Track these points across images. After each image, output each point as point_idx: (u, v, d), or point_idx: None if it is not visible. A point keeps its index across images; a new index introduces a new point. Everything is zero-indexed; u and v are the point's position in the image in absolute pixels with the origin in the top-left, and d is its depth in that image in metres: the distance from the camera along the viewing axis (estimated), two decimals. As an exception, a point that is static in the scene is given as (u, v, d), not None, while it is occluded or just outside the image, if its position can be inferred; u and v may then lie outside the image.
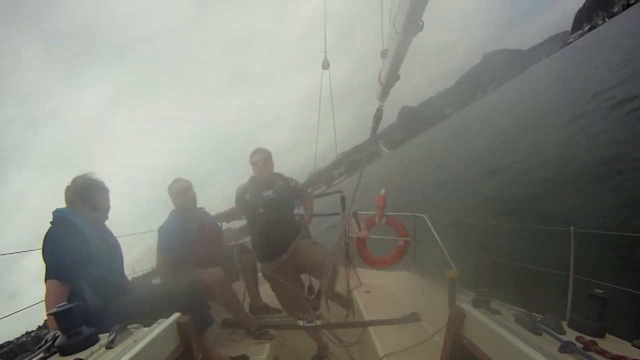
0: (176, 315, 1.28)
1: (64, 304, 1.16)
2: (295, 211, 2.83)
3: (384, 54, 1.57)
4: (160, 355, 1.13)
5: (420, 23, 1.12)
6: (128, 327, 1.22)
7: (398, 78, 1.58)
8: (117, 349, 1.06)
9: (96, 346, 1.12)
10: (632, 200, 5.55)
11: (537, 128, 14.15)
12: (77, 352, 1.09)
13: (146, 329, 1.20)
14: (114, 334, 1.14)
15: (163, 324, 1.20)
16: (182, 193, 2.40)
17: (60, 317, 1.13)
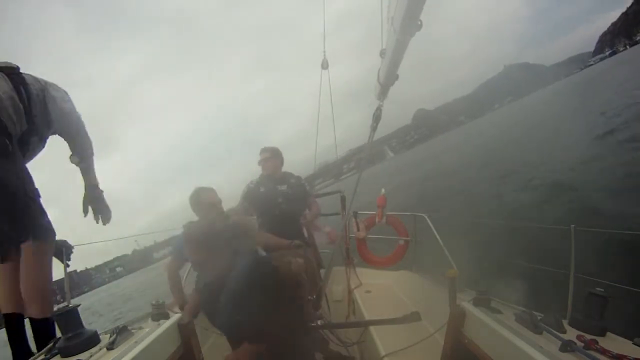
0: (177, 316, 1.28)
1: (64, 304, 1.16)
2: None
3: (382, 53, 1.56)
4: (161, 356, 1.13)
5: (419, 22, 1.11)
6: (129, 328, 1.22)
7: (397, 77, 1.58)
8: (118, 350, 1.06)
9: (97, 347, 1.12)
10: (632, 199, 5.55)
11: (545, 144, 14.09)
12: (78, 353, 1.09)
13: (147, 329, 1.20)
14: (115, 335, 1.14)
15: (164, 325, 1.19)
16: (213, 206, 2.11)
17: (61, 319, 1.13)
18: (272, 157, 2.68)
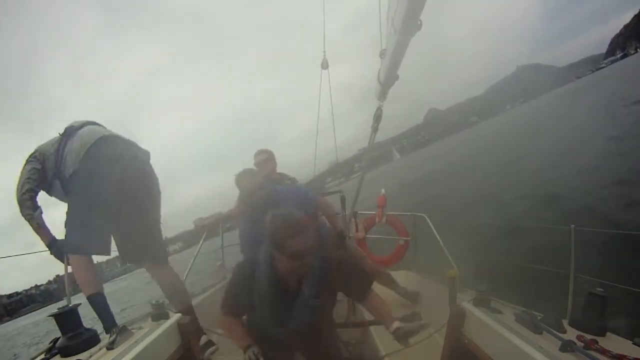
0: (177, 316, 1.28)
1: (64, 305, 1.16)
2: None
3: (382, 53, 1.56)
4: (161, 356, 1.12)
5: (419, 22, 1.11)
6: (129, 328, 1.22)
7: (397, 78, 1.58)
8: (118, 350, 1.05)
9: (97, 347, 1.12)
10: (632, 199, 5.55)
11: (548, 147, 13.97)
12: (78, 353, 1.09)
13: (147, 329, 1.20)
14: (115, 335, 1.13)
15: (164, 325, 1.19)
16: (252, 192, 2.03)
17: (60, 319, 1.13)
18: (268, 158, 2.67)
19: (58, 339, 1.15)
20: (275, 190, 2.10)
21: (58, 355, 1.11)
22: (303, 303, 1.41)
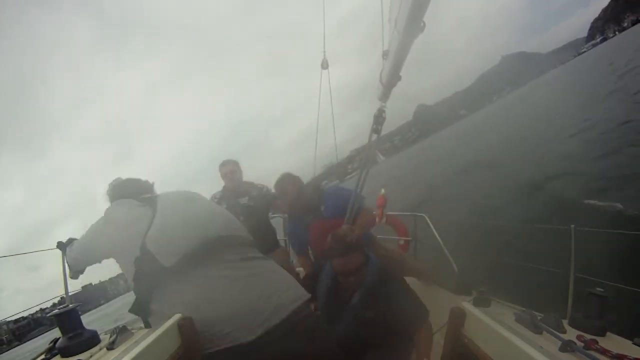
0: (177, 316, 1.27)
1: (64, 305, 1.16)
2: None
3: (385, 54, 1.55)
4: (162, 356, 1.12)
5: (422, 24, 1.11)
6: (129, 328, 1.22)
7: (399, 79, 1.57)
8: (118, 350, 1.06)
9: (97, 347, 1.12)
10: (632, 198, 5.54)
11: (543, 137, 13.99)
12: (78, 353, 1.09)
13: (147, 330, 1.20)
14: (115, 335, 1.14)
15: (164, 325, 1.19)
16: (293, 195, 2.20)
17: (61, 319, 1.13)
18: (236, 169, 2.63)
19: (58, 339, 1.16)
20: (323, 194, 2.25)
21: (58, 356, 1.12)
22: (349, 311, 1.59)
